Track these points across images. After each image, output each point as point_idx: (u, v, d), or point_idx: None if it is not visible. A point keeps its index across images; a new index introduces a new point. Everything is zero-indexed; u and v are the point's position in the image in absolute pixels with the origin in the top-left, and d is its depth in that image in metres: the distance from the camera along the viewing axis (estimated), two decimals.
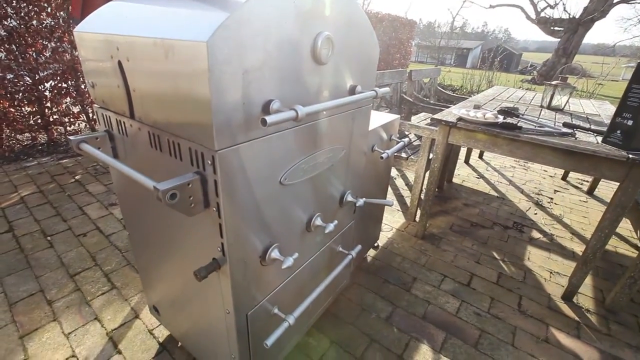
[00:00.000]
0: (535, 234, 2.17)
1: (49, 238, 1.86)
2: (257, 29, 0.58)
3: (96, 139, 0.83)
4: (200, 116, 0.56)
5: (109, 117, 0.82)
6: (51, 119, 3.15)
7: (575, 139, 1.45)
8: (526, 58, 28.64)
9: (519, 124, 1.56)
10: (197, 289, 0.86)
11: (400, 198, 2.56)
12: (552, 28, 12.93)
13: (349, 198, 1.12)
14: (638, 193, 1.34)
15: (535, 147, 1.47)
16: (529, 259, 1.91)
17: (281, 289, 0.93)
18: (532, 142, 1.45)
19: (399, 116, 1.51)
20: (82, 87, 3.21)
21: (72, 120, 3.31)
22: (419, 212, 2.20)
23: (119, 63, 0.68)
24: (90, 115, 3.42)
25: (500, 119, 1.62)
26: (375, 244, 1.94)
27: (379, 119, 1.41)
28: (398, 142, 1.44)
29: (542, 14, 13.42)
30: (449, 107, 2.51)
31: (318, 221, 0.95)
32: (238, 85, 0.57)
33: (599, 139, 1.47)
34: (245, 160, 0.64)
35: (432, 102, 2.81)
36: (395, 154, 1.99)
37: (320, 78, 0.78)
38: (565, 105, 2.14)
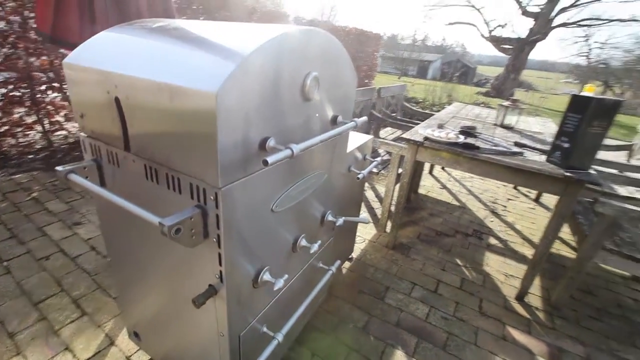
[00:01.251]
0: (492, 240, 2.38)
1: (5, 263, 1.73)
2: (257, 75, 0.64)
3: (84, 169, 0.84)
4: (205, 157, 0.61)
5: (99, 147, 0.83)
6: (1, 130, 2.91)
7: (524, 157, 1.64)
8: (480, 71, 30.85)
9: (477, 144, 1.74)
10: (189, 313, 0.88)
11: (371, 210, 2.68)
12: (502, 46, 14.15)
13: (330, 218, 1.19)
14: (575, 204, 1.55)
15: (491, 165, 1.65)
16: (487, 264, 2.10)
17: (269, 308, 0.98)
18: (489, 161, 1.62)
19: (372, 137, 1.62)
20: (39, 96, 3.02)
21: (25, 131, 3.08)
22: (389, 223, 2.33)
23: (117, 99, 0.71)
24: (47, 126, 3.21)
25: (462, 138, 1.80)
26: (350, 256, 2.03)
27: (354, 140, 1.51)
28: (372, 162, 1.55)
29: (494, 33, 14.65)
30: (416, 122, 2.70)
31: (303, 242, 1.02)
32: (240, 127, 0.63)
33: (544, 157, 1.68)
34: (243, 193, 0.69)
35: (399, 117, 2.99)
36: None
37: (307, 113, 0.86)
38: (515, 124, 2.39)
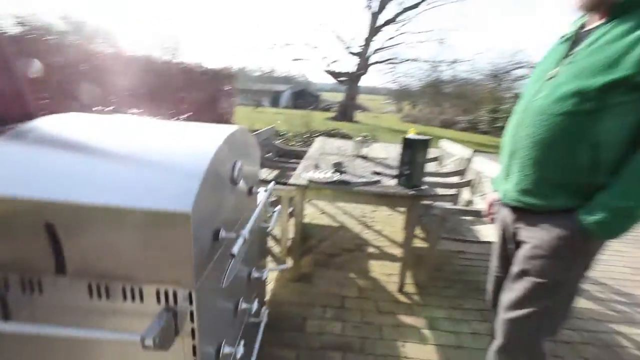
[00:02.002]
0: (371, 249, 2.93)
1: None
2: (210, 182, 0.76)
3: None
4: (177, 265, 0.68)
5: (7, 277, 0.72)
6: None
7: (382, 184, 2.18)
8: (324, 97, 35.63)
9: (348, 179, 2.18)
10: None
11: (269, 250, 2.84)
12: (338, 79, 17.04)
13: (255, 274, 1.32)
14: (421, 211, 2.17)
15: (362, 195, 2.11)
16: (372, 270, 2.59)
17: None
18: (360, 192, 2.08)
19: (272, 188, 1.82)
20: None
21: None
22: (289, 259, 2.55)
23: (49, 226, 0.67)
24: None
25: (337, 176, 2.21)
26: (265, 300, 2.13)
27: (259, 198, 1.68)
28: (273, 212, 1.74)
29: (329, 67, 17.47)
30: (290, 161, 3.05)
31: (243, 305, 1.11)
32: (204, 229, 0.73)
33: (395, 181, 2.26)
34: (208, 284, 0.78)
35: (275, 159, 3.29)
36: None
37: (235, 194, 1.00)
38: (367, 153, 3.06)
